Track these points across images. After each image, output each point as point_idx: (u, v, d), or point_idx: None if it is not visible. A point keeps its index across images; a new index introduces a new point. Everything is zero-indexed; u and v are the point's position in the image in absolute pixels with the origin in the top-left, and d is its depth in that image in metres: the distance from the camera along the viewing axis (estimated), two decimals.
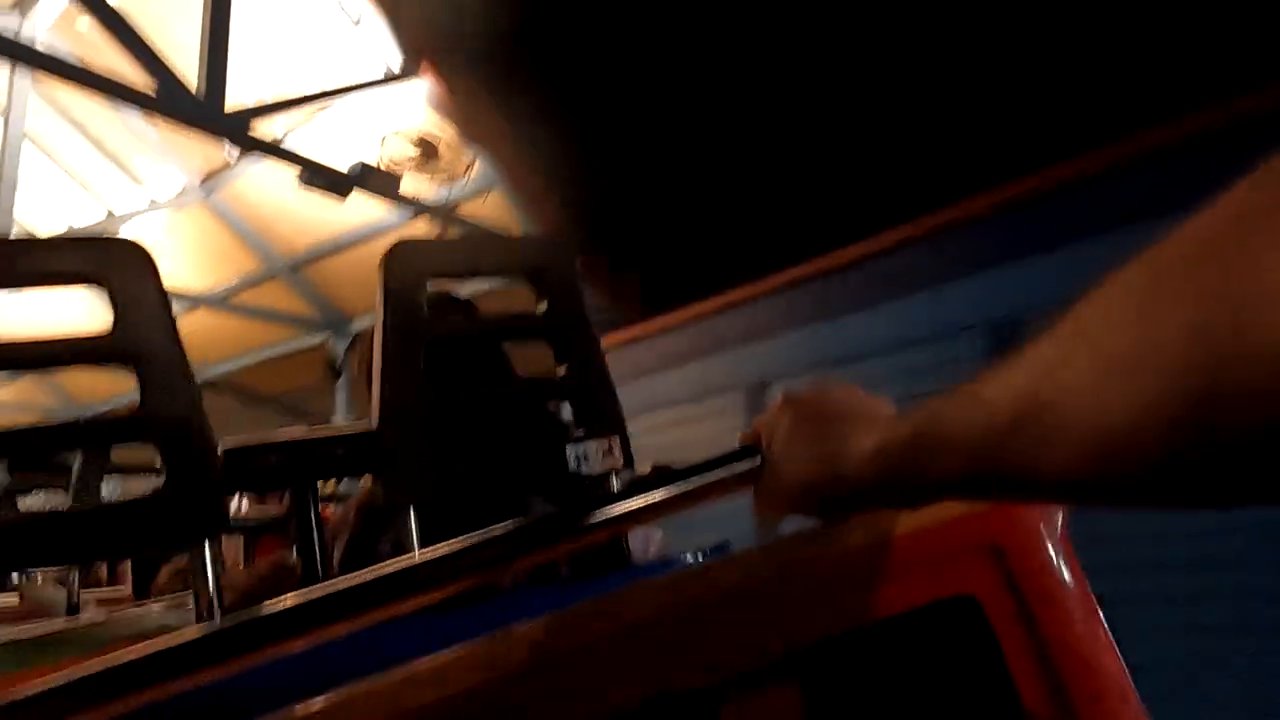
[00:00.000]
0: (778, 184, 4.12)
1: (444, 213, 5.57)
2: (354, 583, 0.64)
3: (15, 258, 0.58)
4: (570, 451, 0.78)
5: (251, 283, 7.51)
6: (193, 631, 0.60)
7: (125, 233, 7.52)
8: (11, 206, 5.26)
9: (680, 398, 4.50)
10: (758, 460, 0.68)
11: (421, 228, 6.04)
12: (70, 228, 7.13)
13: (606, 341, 0.98)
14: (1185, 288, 0.26)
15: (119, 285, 0.66)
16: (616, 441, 0.82)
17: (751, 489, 0.69)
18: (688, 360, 4.55)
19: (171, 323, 0.67)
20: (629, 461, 0.83)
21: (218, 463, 0.65)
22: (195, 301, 7.46)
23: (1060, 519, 0.75)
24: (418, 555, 0.69)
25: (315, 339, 7.79)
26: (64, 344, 0.62)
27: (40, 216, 7.75)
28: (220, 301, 7.57)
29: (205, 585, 0.63)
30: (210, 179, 6.63)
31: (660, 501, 0.72)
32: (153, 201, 6.95)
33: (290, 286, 7.50)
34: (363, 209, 5.96)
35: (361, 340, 1.06)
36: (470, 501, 0.75)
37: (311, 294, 7.57)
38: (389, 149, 5.09)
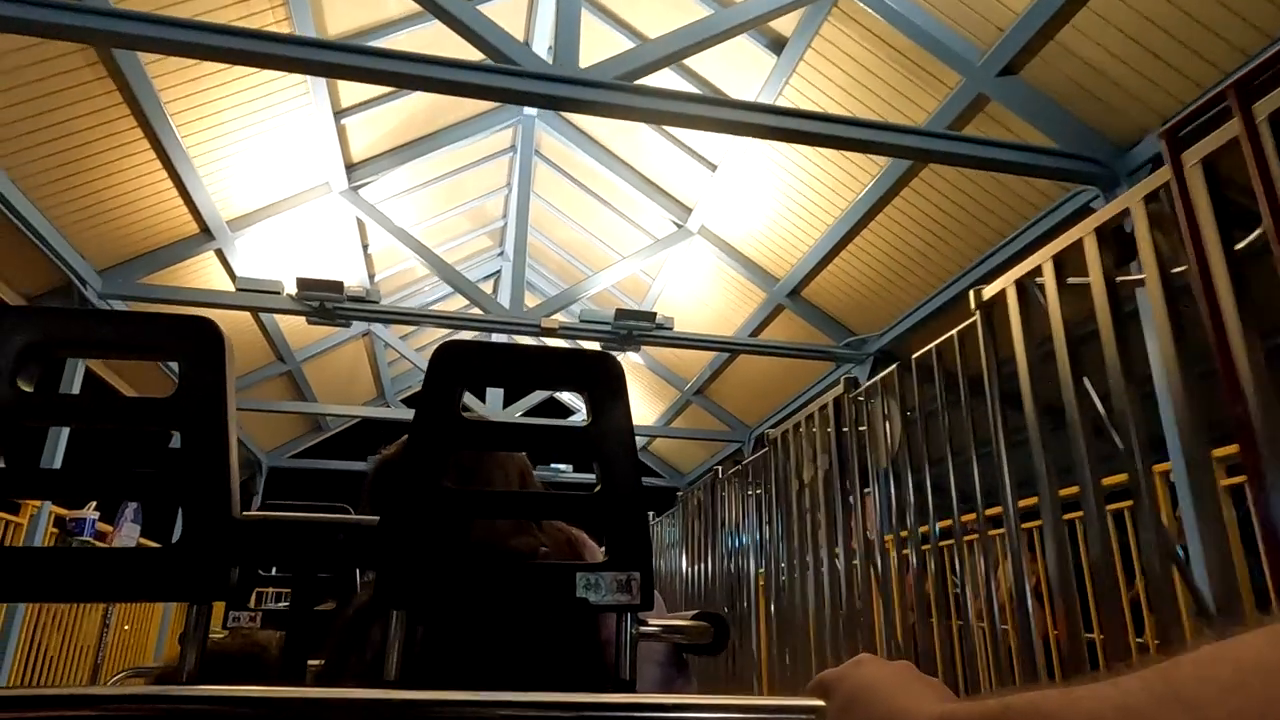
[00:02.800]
0: None
1: None
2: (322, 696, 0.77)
3: (96, 328, 0.82)
4: (580, 578, 0.88)
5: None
6: (172, 690, 0.77)
7: None
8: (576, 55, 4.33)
9: None
10: (814, 717, 0.75)
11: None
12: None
13: None
14: None
15: (187, 359, 0.89)
16: (637, 578, 0.91)
17: None
18: None
19: (224, 397, 0.89)
20: (648, 602, 0.91)
21: (231, 533, 0.83)
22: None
23: None
24: (394, 676, 0.81)
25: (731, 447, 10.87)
26: (129, 405, 0.85)
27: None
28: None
29: (194, 646, 0.80)
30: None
31: None
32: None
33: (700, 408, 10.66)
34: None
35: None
36: (470, 615, 0.86)
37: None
38: None
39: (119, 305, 6.90)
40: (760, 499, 6.13)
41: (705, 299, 9.34)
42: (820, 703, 0.73)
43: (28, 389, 0.78)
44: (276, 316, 8.77)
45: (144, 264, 6.93)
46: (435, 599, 0.84)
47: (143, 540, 7.22)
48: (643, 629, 0.97)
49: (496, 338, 11.99)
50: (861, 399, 4.53)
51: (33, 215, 5.72)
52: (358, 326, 10.62)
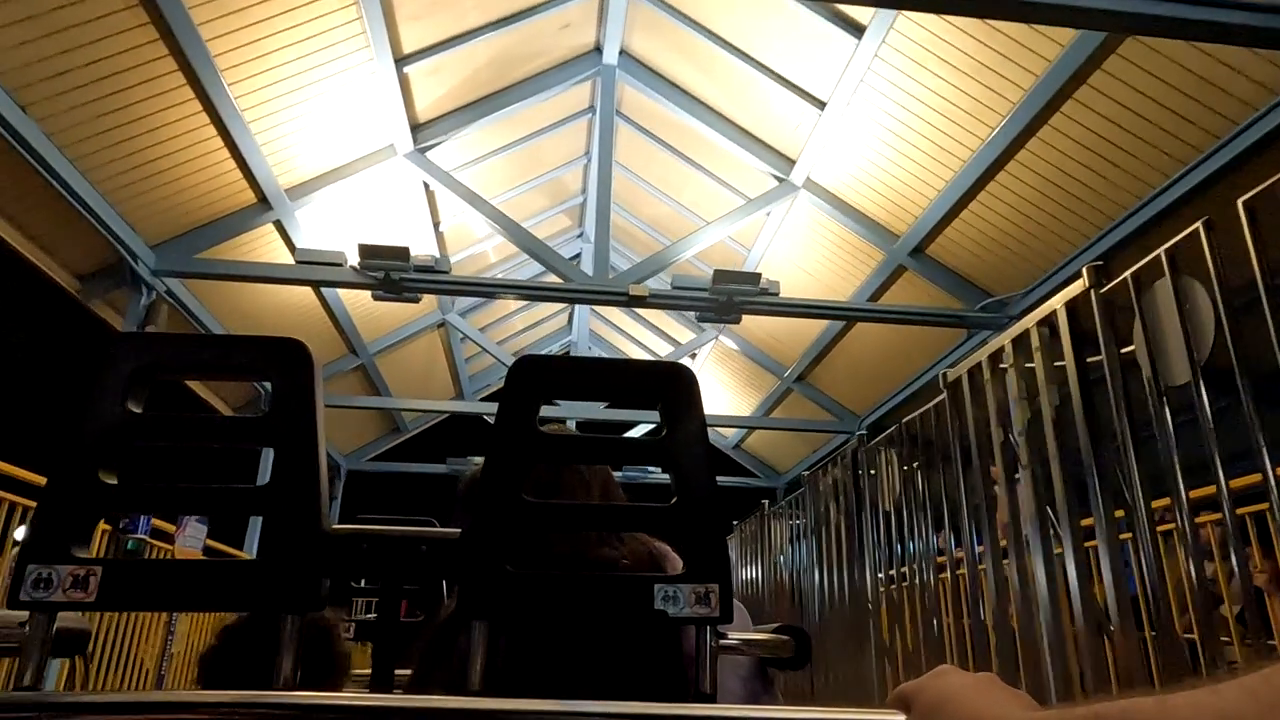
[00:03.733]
0: None
1: None
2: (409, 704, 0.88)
3: (197, 351, 0.94)
4: (658, 590, 0.96)
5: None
6: (267, 696, 0.88)
7: None
8: None
9: None
10: None
11: None
12: None
13: None
14: None
15: (279, 378, 1.01)
16: (715, 591, 0.99)
17: None
18: None
19: (314, 414, 1.00)
20: (727, 615, 0.99)
21: (321, 546, 0.94)
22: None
23: None
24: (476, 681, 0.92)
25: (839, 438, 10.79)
26: (225, 423, 0.97)
27: None
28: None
29: (288, 655, 0.91)
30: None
31: None
32: None
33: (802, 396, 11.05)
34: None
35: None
36: (553, 625, 0.95)
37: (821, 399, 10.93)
38: None
39: (173, 283, 6.94)
40: (921, 469, 5.05)
41: (810, 265, 8.98)
42: (901, 716, 0.79)
43: (137, 410, 0.90)
44: (345, 303, 8.94)
45: (199, 238, 6.88)
46: (516, 610, 0.93)
47: (209, 541, 7.52)
48: (722, 642, 1.04)
49: (579, 311, 12.04)
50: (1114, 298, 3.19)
51: (79, 183, 5.60)
52: (431, 317, 10.84)
